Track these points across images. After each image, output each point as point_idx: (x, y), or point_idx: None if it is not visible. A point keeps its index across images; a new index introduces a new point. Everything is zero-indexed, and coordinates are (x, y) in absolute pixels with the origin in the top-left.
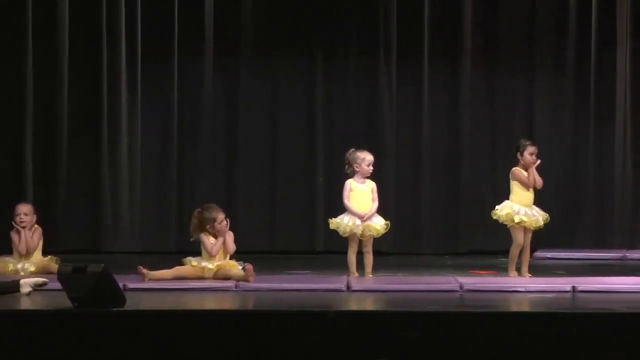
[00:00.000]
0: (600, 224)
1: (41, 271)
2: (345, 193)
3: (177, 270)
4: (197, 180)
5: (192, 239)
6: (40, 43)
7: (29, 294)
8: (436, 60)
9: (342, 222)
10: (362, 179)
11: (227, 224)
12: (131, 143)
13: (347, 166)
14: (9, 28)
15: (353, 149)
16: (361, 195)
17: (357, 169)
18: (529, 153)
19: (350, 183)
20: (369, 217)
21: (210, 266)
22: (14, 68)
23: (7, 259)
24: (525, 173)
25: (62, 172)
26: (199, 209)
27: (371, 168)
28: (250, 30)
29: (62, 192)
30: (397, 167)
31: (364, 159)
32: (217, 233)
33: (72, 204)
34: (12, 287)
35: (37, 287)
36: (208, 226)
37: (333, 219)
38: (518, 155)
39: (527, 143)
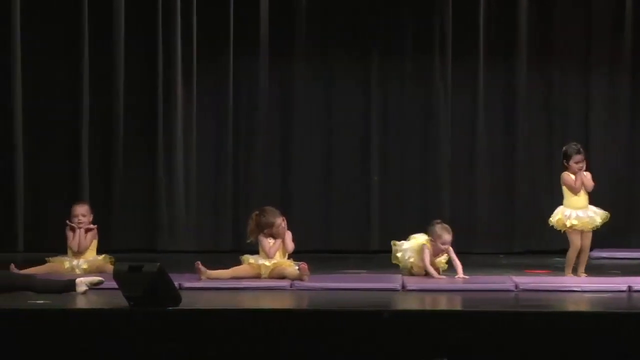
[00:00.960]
0: None
1: (95, 270)
2: (426, 259)
3: (234, 270)
4: (253, 179)
5: (248, 241)
6: (96, 43)
7: (84, 293)
8: (491, 60)
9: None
10: (435, 255)
11: (285, 225)
12: (186, 142)
13: (428, 233)
14: (65, 29)
15: (438, 222)
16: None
17: (432, 242)
18: (575, 162)
19: (427, 253)
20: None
21: (267, 264)
22: (69, 68)
23: (63, 257)
24: (573, 177)
25: (118, 172)
26: (257, 212)
27: (445, 246)
28: (305, 30)
29: (118, 192)
30: (452, 166)
31: (440, 237)
32: (275, 236)
33: (128, 203)
34: (68, 286)
35: (93, 286)
36: (265, 230)
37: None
38: (565, 162)
39: (573, 150)
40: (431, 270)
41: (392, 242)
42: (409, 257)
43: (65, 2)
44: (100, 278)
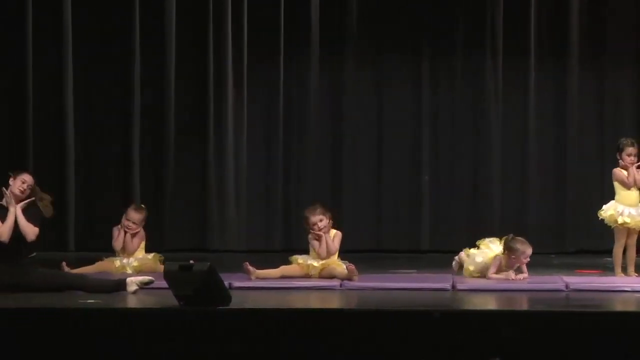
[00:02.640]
0: None
1: (145, 269)
2: (493, 269)
3: (283, 269)
4: (303, 179)
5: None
6: (147, 44)
7: (135, 292)
8: (543, 59)
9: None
10: (511, 266)
11: (328, 225)
12: (237, 142)
13: (503, 249)
14: (116, 31)
15: (516, 238)
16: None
17: (512, 258)
18: (627, 154)
19: (501, 263)
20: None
21: (316, 264)
22: (121, 70)
23: (114, 257)
24: (625, 173)
25: (169, 172)
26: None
27: (527, 260)
28: (355, 29)
29: (169, 192)
30: (503, 166)
31: (524, 253)
32: (314, 236)
33: (178, 203)
34: (119, 285)
35: (144, 286)
36: (307, 227)
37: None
38: (617, 155)
39: (626, 143)
40: (494, 277)
41: (464, 250)
42: (480, 270)
43: (118, 2)
44: (150, 277)
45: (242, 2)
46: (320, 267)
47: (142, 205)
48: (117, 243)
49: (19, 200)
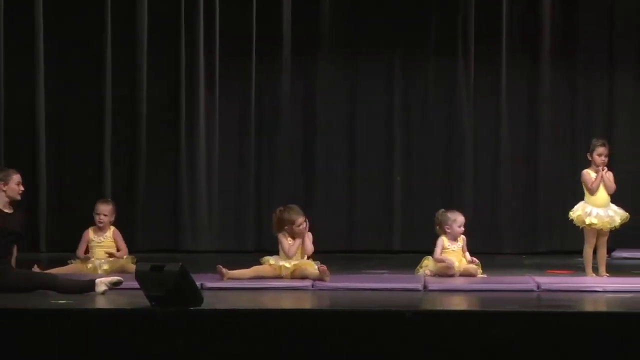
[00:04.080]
0: None
1: (117, 270)
2: (438, 250)
3: (255, 269)
4: (275, 180)
5: (275, 235)
6: (119, 44)
7: (104, 292)
8: (515, 58)
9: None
10: (454, 239)
11: (306, 226)
12: (209, 143)
13: (437, 227)
14: (88, 31)
15: (443, 210)
16: (454, 254)
17: (448, 230)
18: (598, 154)
19: (443, 241)
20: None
21: (287, 265)
22: (93, 70)
23: (85, 258)
24: (593, 175)
25: (140, 173)
26: (281, 208)
27: (462, 229)
28: (328, 30)
29: (141, 193)
30: (475, 166)
31: (455, 220)
32: (295, 235)
33: (150, 204)
34: (88, 286)
35: (113, 286)
36: (286, 227)
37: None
38: (588, 156)
39: (597, 144)
40: (443, 258)
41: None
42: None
43: (89, 4)
44: (119, 278)
45: (214, 2)
46: (292, 268)
47: (108, 199)
48: (80, 251)
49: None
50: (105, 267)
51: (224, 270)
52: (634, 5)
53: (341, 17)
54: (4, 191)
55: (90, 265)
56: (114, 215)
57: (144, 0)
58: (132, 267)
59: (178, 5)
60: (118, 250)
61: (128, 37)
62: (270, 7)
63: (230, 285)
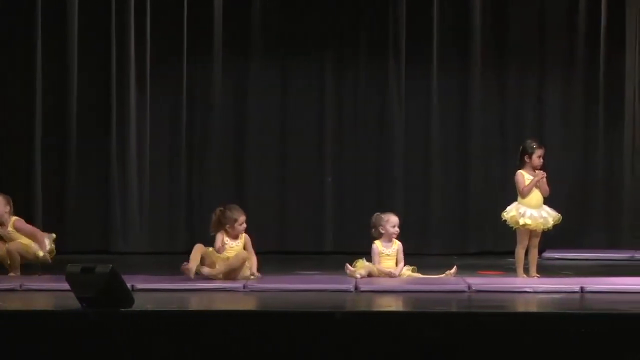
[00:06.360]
0: (609, 225)
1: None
2: (376, 258)
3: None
4: (206, 181)
5: (212, 234)
6: (49, 44)
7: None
8: (446, 60)
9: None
10: (389, 241)
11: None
12: (140, 144)
13: (372, 229)
14: (18, 31)
15: (378, 213)
16: (388, 258)
17: (382, 231)
18: (537, 156)
19: (378, 247)
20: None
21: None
22: (23, 69)
23: None
24: (527, 177)
25: (70, 174)
26: (221, 207)
27: (397, 230)
28: (259, 30)
29: (72, 195)
30: (406, 168)
31: (388, 221)
32: (236, 234)
33: (80, 205)
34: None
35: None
36: (228, 226)
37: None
38: (525, 157)
39: (536, 146)
40: (383, 269)
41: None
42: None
43: (19, 1)
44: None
45: (144, 2)
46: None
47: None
48: None
49: None
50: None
51: (189, 266)
52: (563, 8)
53: (272, 16)
54: None
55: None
56: (8, 207)
57: (74, 1)
58: (35, 249)
59: (109, 5)
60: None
61: (58, 37)
62: (201, 7)
63: (162, 287)
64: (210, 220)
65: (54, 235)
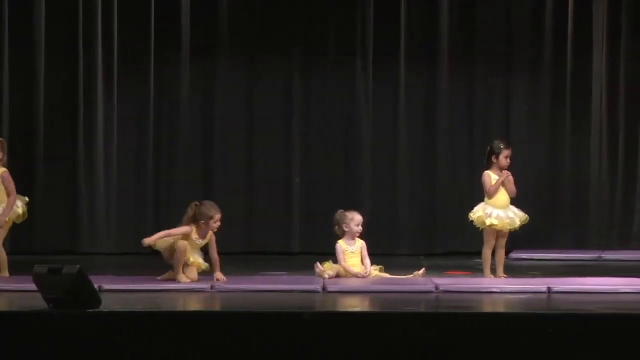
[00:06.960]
0: (576, 225)
1: None
2: (340, 256)
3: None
4: (174, 182)
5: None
6: (17, 45)
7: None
8: (413, 60)
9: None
10: (352, 239)
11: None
12: (107, 144)
13: (336, 227)
14: None
15: (341, 210)
16: (352, 256)
17: (346, 229)
18: (504, 156)
19: (341, 245)
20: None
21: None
22: None
23: None
24: (494, 177)
25: (37, 174)
26: (197, 202)
27: (360, 228)
28: (226, 30)
29: (38, 194)
30: (374, 168)
31: (352, 219)
32: (210, 230)
33: (47, 205)
34: None
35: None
36: (202, 222)
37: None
38: (493, 158)
39: (504, 146)
40: (348, 267)
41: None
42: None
43: None
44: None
45: (112, 3)
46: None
47: None
48: None
49: None
50: None
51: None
52: (528, 9)
53: (240, 17)
54: None
55: None
56: (1, 154)
57: (41, 2)
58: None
59: (76, 5)
60: (7, 192)
61: (25, 37)
62: (169, 8)
63: (129, 287)
64: (184, 214)
65: (26, 198)
